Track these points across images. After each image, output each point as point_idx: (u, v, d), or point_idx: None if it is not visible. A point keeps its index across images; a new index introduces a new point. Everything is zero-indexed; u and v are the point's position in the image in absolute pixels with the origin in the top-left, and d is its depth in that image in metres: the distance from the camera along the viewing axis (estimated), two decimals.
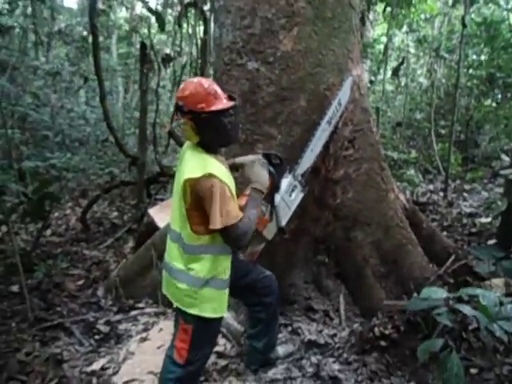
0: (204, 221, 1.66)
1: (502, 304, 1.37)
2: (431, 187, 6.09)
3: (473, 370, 1.92)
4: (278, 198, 2.03)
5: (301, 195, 2.18)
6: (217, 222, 1.61)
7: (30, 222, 3.89)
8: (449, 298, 1.48)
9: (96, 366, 2.39)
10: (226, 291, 1.80)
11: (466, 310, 1.38)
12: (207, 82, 1.70)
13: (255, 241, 1.99)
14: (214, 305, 1.75)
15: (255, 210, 1.78)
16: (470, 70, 8.28)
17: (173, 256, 1.78)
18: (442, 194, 5.53)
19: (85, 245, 4.27)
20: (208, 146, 1.74)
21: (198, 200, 1.64)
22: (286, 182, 2.09)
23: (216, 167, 1.66)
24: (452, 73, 8.66)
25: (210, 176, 1.60)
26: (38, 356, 2.45)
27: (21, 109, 5.51)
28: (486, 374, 1.89)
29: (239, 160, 1.98)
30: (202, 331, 1.78)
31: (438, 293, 1.50)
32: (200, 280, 1.70)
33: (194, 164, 1.66)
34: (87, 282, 3.42)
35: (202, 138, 1.70)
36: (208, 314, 1.74)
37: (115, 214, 5.24)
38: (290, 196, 2.11)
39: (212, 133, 1.70)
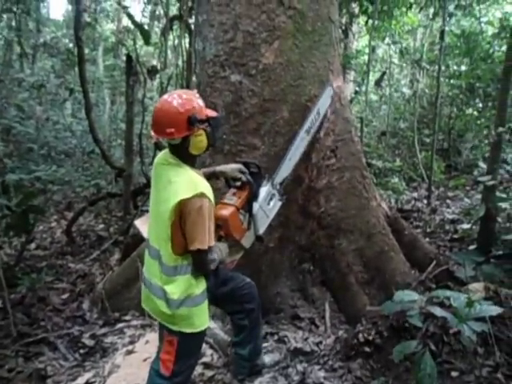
0: (185, 241, 1.68)
1: (471, 306, 1.41)
2: (415, 195, 6.20)
3: (454, 373, 1.96)
4: (256, 206, 2.04)
5: (279, 204, 2.20)
6: (203, 243, 1.64)
7: (13, 235, 3.84)
8: (421, 301, 1.52)
9: (81, 381, 2.35)
10: (204, 304, 1.80)
11: (437, 311, 1.43)
12: (195, 93, 1.78)
13: (233, 249, 2.01)
14: (193, 321, 1.75)
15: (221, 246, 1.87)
16: (452, 80, 8.52)
17: (152, 272, 1.78)
18: (425, 201, 5.63)
19: (70, 258, 4.22)
20: (195, 157, 1.77)
21: (183, 218, 1.64)
22: (264, 191, 2.11)
23: (204, 185, 1.69)
24: (434, 83, 8.88)
25: (202, 196, 1.62)
26: (20, 372, 2.41)
27: (5, 121, 5.47)
28: (467, 377, 1.93)
29: (220, 168, 2.04)
30: (186, 343, 1.78)
31: (411, 295, 1.54)
32: (175, 301, 1.70)
33: (184, 183, 1.65)
34: (72, 296, 3.38)
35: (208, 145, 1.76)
36: (189, 330, 1.75)
37: (101, 226, 5.20)
38: (268, 204, 2.12)
39: (214, 137, 1.76)
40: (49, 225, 5.42)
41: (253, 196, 2.00)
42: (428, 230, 4.28)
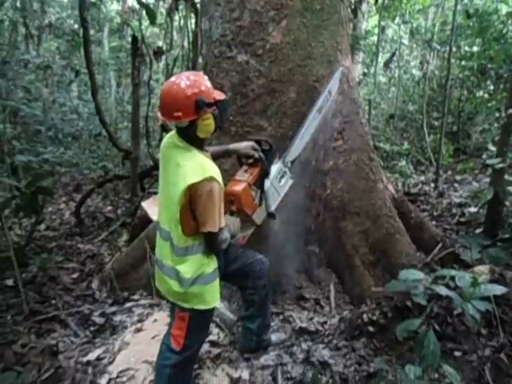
0: (195, 224, 1.70)
1: (476, 285, 1.42)
2: (423, 178, 6.15)
3: (457, 353, 1.98)
4: (267, 183, 2.07)
5: (290, 182, 2.23)
6: (214, 225, 1.67)
7: (23, 216, 3.90)
8: (426, 280, 1.54)
9: (91, 357, 2.42)
10: (216, 281, 1.84)
11: (442, 290, 1.44)
12: (203, 75, 1.76)
13: (245, 225, 2.05)
14: (205, 298, 1.80)
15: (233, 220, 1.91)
16: (463, 62, 8.32)
17: (164, 254, 1.81)
18: (433, 184, 5.59)
19: (79, 239, 4.29)
20: (203, 140, 1.77)
21: (193, 202, 1.66)
22: (275, 168, 2.13)
23: (213, 168, 1.69)
24: (444, 64, 8.69)
25: (211, 179, 1.63)
26: (33, 347, 2.48)
27: (12, 103, 5.47)
28: (470, 357, 1.96)
29: (233, 146, 2.05)
30: (198, 319, 1.83)
31: (416, 274, 1.55)
32: (188, 280, 1.74)
33: (192, 167, 1.65)
34: (82, 275, 3.45)
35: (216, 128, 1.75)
36: (200, 306, 1.79)
37: (109, 208, 5.25)
38: (279, 182, 2.15)
39: (222, 120, 1.75)
40: (57, 206, 5.49)
41: (264, 173, 2.04)
42: (435, 213, 4.26)
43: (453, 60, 7.27)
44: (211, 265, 1.81)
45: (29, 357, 2.41)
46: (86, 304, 3.02)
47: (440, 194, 5.06)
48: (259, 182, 2.04)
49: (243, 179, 2.00)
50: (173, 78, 1.72)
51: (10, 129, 5.66)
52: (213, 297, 1.83)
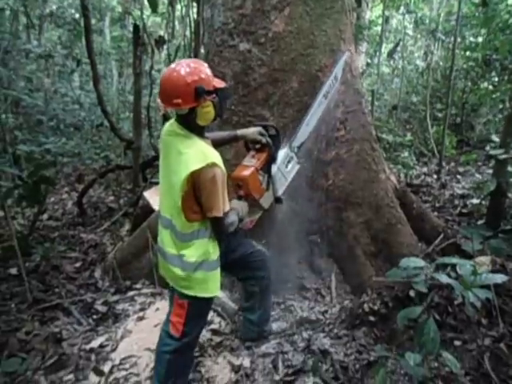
0: (199, 209, 1.71)
1: (477, 274, 1.42)
2: (425, 170, 6.13)
3: (457, 342, 1.99)
4: (274, 168, 2.09)
5: (297, 167, 2.26)
6: (220, 210, 1.69)
7: (26, 206, 3.92)
8: (427, 268, 1.54)
9: (94, 344, 2.46)
10: (218, 270, 1.86)
11: (443, 278, 1.44)
12: (203, 63, 1.74)
13: (253, 210, 2.07)
14: (208, 285, 1.82)
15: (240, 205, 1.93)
16: (467, 52, 8.22)
17: (165, 242, 1.83)
18: (435, 176, 5.57)
19: (81, 228, 4.31)
20: (203, 128, 1.76)
21: (197, 189, 1.67)
22: (282, 153, 2.16)
23: (215, 155, 1.69)
24: (449, 55, 8.60)
25: (213, 165, 1.63)
26: (37, 335, 2.51)
27: (14, 93, 5.46)
28: (469, 346, 1.97)
29: (241, 132, 2.06)
30: (197, 306, 1.85)
31: (417, 262, 1.56)
32: (192, 264, 1.76)
33: (194, 154, 1.65)
34: (84, 265, 3.47)
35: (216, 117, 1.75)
36: (203, 294, 1.81)
37: (111, 198, 5.27)
38: (286, 167, 2.18)
39: (221, 109, 1.75)
40: (60, 196, 5.51)
41: (271, 158, 2.06)
42: (437, 204, 4.25)
43: (457, 51, 7.18)
44: (216, 252, 1.84)
45: (33, 344, 2.44)
46: (88, 293, 3.05)
47: (442, 185, 5.04)
48: (266, 167, 2.06)
49: (251, 164, 2.02)
50: (173, 65, 1.71)
51: (11, 119, 5.66)
52: (215, 285, 1.86)
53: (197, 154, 1.65)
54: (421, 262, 1.54)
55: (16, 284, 3.04)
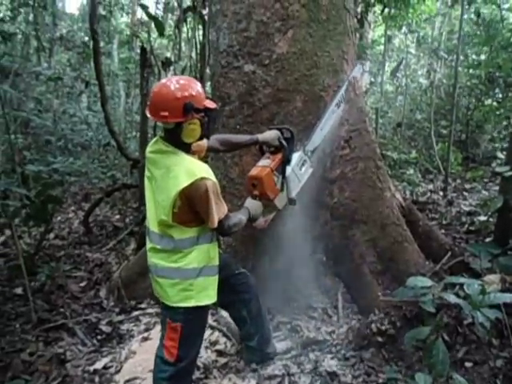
0: (194, 217, 1.72)
1: (485, 293, 1.40)
2: (431, 187, 6.10)
3: (467, 364, 1.95)
4: (289, 169, 2.15)
5: (310, 170, 2.32)
6: (215, 221, 1.69)
7: (33, 226, 3.94)
8: (434, 287, 1.52)
9: (98, 365, 2.43)
10: (217, 277, 1.85)
11: (451, 297, 1.42)
12: (196, 81, 1.76)
13: (267, 209, 2.12)
14: (209, 292, 1.80)
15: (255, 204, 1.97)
16: (470, 70, 8.29)
17: (159, 257, 1.79)
18: (441, 193, 5.54)
19: (87, 247, 4.32)
20: (189, 145, 1.76)
21: (191, 203, 1.67)
22: (296, 156, 2.23)
23: (203, 168, 1.70)
24: (452, 73, 8.67)
25: (202, 179, 1.63)
26: (41, 356, 2.50)
27: (23, 114, 5.58)
28: (480, 368, 1.92)
29: (262, 138, 2.11)
30: (190, 325, 1.80)
31: (424, 281, 1.53)
32: (194, 271, 1.75)
33: (182, 171, 1.65)
34: (90, 284, 3.47)
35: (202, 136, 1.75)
36: (204, 302, 1.78)
37: (117, 216, 5.30)
38: (300, 169, 2.24)
39: (208, 129, 1.76)
40: (66, 215, 5.56)
41: (286, 159, 2.12)
42: (444, 221, 4.21)
43: (460, 68, 7.25)
44: (216, 257, 1.84)
45: (36, 365, 2.42)
46: (93, 312, 3.04)
47: (449, 202, 5.01)
48: (281, 168, 2.12)
49: (266, 165, 2.09)
50: (164, 80, 1.74)
51: (20, 139, 5.76)
52: (214, 291, 1.83)
53: (185, 170, 1.65)
54: (428, 282, 1.52)
55: (21, 304, 3.04)
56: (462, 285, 1.58)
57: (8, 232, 4.23)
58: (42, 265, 3.48)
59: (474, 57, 8.45)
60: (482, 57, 8.18)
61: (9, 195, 3.58)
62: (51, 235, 4.60)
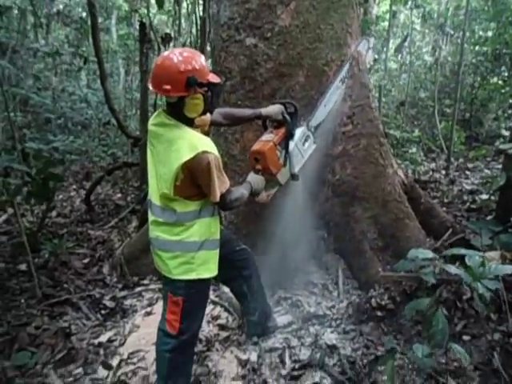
0: (197, 191, 1.71)
1: (485, 265, 1.41)
2: (433, 166, 6.07)
3: (465, 337, 1.98)
4: (292, 144, 2.13)
5: (313, 146, 2.30)
6: (217, 195, 1.69)
7: (35, 204, 3.95)
8: (435, 259, 1.52)
9: (103, 339, 2.48)
10: (218, 251, 1.86)
11: (452, 269, 1.42)
12: (200, 54, 1.72)
13: (269, 184, 2.10)
14: (209, 265, 1.81)
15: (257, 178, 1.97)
16: (477, 47, 8.11)
17: (161, 229, 1.78)
18: (444, 172, 5.52)
19: (89, 225, 4.35)
20: (192, 120, 1.74)
21: (193, 177, 1.66)
22: (300, 131, 2.20)
23: (205, 141, 1.67)
24: (457, 50, 8.49)
25: (204, 153, 1.61)
26: (47, 329, 2.54)
27: (22, 91, 5.50)
28: (478, 341, 1.95)
29: (265, 112, 2.08)
30: (192, 299, 1.81)
31: (425, 253, 1.54)
32: (196, 244, 1.75)
33: (184, 145, 1.63)
34: (93, 261, 3.51)
35: (204, 111, 1.73)
36: (205, 275, 1.79)
37: (118, 195, 5.31)
38: (303, 145, 2.22)
39: (211, 104, 1.73)
40: (68, 194, 5.57)
41: (290, 134, 2.10)
42: (445, 200, 4.21)
43: (466, 45, 7.09)
44: (217, 231, 1.84)
45: (42, 338, 2.47)
46: (96, 288, 3.08)
47: (451, 181, 4.99)
48: (284, 143, 2.10)
49: (269, 139, 2.06)
50: (167, 52, 1.69)
51: (20, 117, 5.71)
52: (215, 265, 1.84)
53: (187, 144, 1.63)
54: (429, 254, 1.53)
55: (25, 280, 3.08)
56: (462, 259, 1.59)
57: (10, 210, 4.25)
58: (45, 242, 3.50)
59: (480, 33, 8.25)
60: (489, 33, 7.98)
61: (10, 173, 3.58)
62: (53, 213, 4.62)
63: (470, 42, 7.98)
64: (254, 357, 2.19)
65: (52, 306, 2.79)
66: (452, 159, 5.78)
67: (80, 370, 2.23)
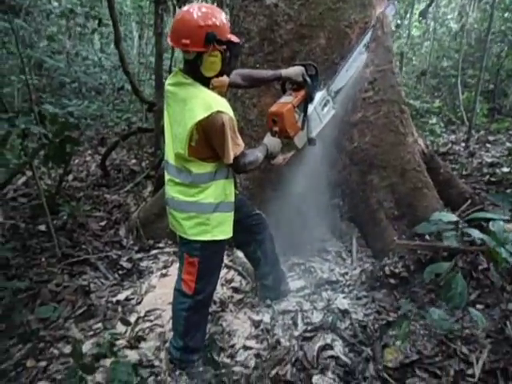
0: (212, 153, 1.70)
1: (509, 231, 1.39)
2: (453, 138, 5.92)
3: (479, 306, 1.98)
4: (311, 108, 2.08)
5: (332, 112, 2.24)
6: (230, 157, 1.67)
7: (52, 167, 4.00)
8: (458, 222, 1.50)
9: (121, 297, 2.57)
10: (232, 213, 1.86)
11: (475, 233, 1.41)
12: (221, 11, 1.67)
13: (286, 148, 2.08)
14: (224, 227, 1.82)
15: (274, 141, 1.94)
16: (506, 14, 7.68)
17: (177, 190, 1.80)
18: (463, 144, 5.38)
19: (105, 189, 4.41)
20: (209, 79, 1.71)
21: (207, 137, 1.64)
22: (319, 95, 2.14)
23: (220, 102, 1.65)
24: (485, 16, 8.05)
25: (219, 113, 1.59)
26: (67, 287, 2.64)
27: (36, 54, 5.46)
28: (491, 310, 1.96)
29: (285, 73, 2.01)
30: (207, 261, 1.84)
31: (448, 216, 1.52)
32: (211, 206, 1.76)
33: (199, 103, 1.61)
34: (109, 223, 3.58)
35: (221, 71, 1.69)
36: (220, 236, 1.81)
37: (133, 161, 5.33)
38: (322, 110, 2.17)
39: (229, 65, 1.69)
40: (83, 159, 5.61)
41: (309, 97, 2.04)
42: (464, 172, 4.11)
43: (495, 11, 6.71)
44: (232, 194, 1.85)
45: (63, 295, 2.57)
46: (113, 250, 3.16)
47: (471, 153, 4.87)
48: (303, 106, 2.04)
49: (288, 101, 2.01)
50: (187, 6, 1.64)
51: (35, 80, 5.70)
52: (229, 227, 1.85)
53: (202, 103, 1.61)
54: (453, 217, 1.50)
55: (45, 240, 3.17)
56: (481, 227, 1.56)
57: (28, 173, 4.32)
58: (63, 204, 3.58)
59: None
60: None
61: (27, 135, 3.60)
62: (70, 177, 4.68)
63: (500, 8, 7.54)
64: (267, 318, 2.24)
65: (71, 265, 2.89)
66: (473, 132, 5.61)
67: (99, 324, 2.32)
